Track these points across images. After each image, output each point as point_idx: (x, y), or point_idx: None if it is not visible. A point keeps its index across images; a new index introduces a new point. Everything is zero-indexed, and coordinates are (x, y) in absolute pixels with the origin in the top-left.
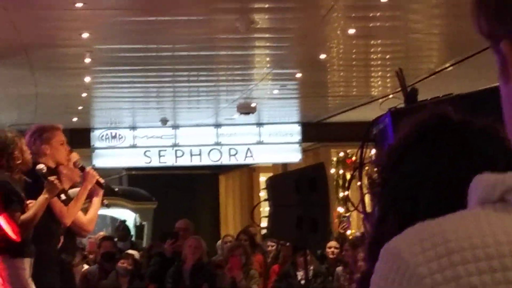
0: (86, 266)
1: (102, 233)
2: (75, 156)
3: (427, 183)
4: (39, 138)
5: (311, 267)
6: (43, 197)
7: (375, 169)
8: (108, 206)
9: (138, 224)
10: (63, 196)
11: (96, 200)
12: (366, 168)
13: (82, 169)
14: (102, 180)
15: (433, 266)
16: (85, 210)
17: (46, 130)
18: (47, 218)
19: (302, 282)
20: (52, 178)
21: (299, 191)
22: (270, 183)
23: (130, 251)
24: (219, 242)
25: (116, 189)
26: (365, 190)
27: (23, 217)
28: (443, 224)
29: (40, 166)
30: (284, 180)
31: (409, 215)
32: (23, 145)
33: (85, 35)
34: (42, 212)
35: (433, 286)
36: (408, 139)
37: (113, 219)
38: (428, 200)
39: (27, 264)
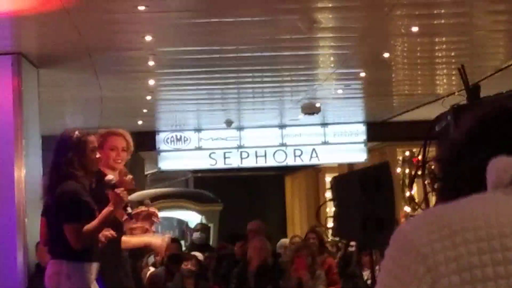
0: (152, 268)
1: (167, 235)
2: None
3: None
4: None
5: (377, 267)
6: (108, 209)
7: (437, 165)
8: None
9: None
10: (129, 209)
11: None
12: (431, 166)
13: (113, 187)
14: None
15: (436, 246)
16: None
17: (100, 135)
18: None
19: (369, 282)
20: (119, 190)
21: (364, 190)
22: (335, 182)
23: (194, 253)
24: (280, 242)
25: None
26: (428, 188)
27: (87, 227)
28: (450, 208)
29: (110, 177)
30: (349, 179)
31: None
32: (93, 145)
33: (148, 38)
34: (105, 224)
35: (435, 265)
36: (470, 132)
37: (180, 222)
38: None
39: (93, 268)
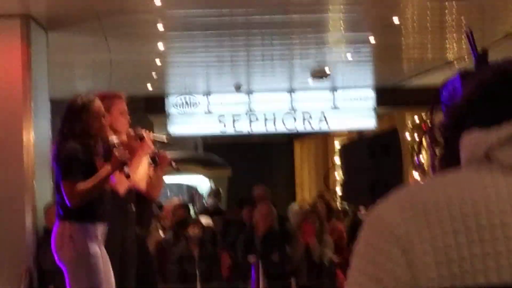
0: (161, 233)
1: (176, 200)
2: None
3: None
4: None
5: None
6: (105, 169)
7: (439, 131)
8: (178, 169)
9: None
10: (126, 169)
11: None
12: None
13: (141, 138)
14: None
15: (410, 227)
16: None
17: (105, 98)
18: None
19: None
20: (116, 151)
21: (373, 156)
22: (344, 149)
23: (202, 217)
24: (291, 207)
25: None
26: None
27: (81, 186)
28: (423, 186)
29: (112, 137)
30: (358, 145)
31: None
32: (97, 110)
33: (158, 0)
34: (103, 184)
35: (410, 246)
36: (471, 97)
37: (189, 187)
38: None
39: (98, 230)
